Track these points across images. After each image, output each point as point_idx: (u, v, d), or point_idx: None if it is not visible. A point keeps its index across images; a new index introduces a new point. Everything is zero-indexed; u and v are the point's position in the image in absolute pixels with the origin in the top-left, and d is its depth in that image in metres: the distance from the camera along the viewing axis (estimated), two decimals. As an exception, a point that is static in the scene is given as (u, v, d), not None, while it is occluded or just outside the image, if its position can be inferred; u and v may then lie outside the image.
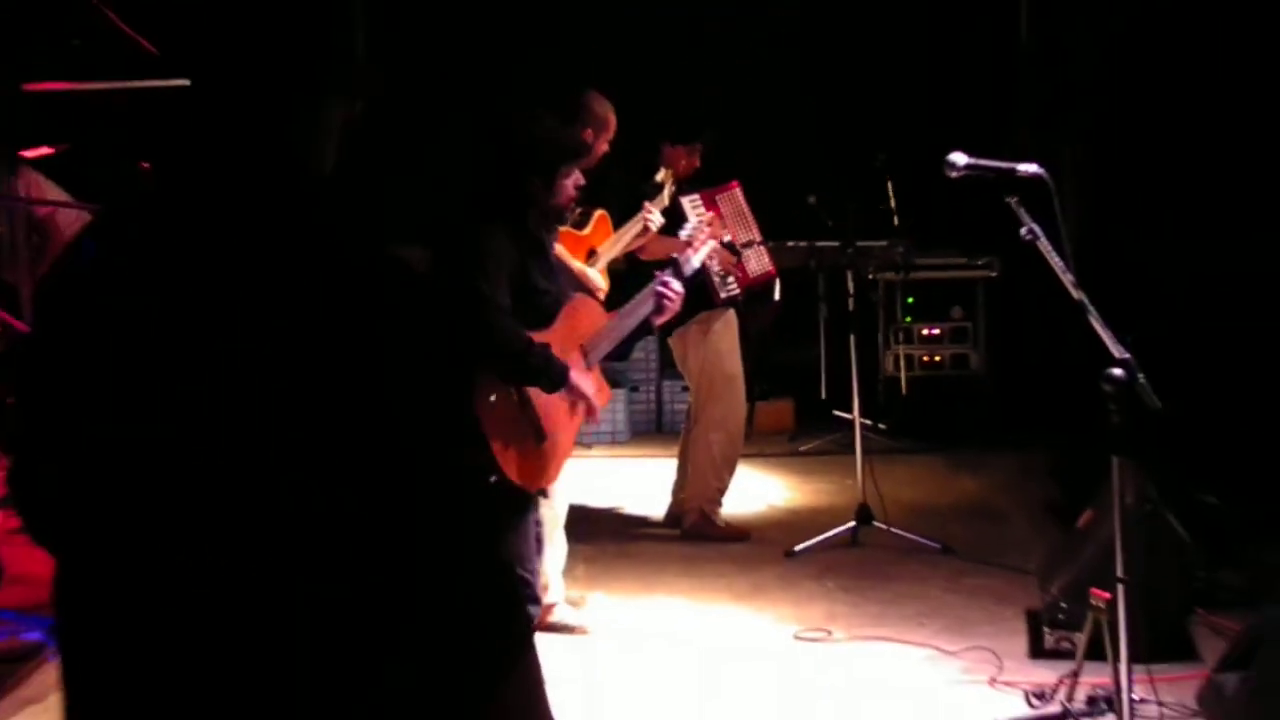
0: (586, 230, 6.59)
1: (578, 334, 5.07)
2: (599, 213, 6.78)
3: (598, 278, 6.41)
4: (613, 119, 6.60)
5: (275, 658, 2.19)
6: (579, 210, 6.32)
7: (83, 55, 6.18)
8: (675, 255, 5.61)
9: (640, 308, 5.29)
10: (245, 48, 2.29)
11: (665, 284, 5.23)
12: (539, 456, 4.89)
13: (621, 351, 5.50)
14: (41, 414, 2.28)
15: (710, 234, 5.77)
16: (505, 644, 2.39)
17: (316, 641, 2.19)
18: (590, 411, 5.15)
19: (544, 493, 5.23)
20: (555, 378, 4.84)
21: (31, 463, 2.30)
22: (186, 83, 2.32)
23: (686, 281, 5.42)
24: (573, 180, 5.14)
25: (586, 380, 5.02)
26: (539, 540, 5.24)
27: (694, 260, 5.60)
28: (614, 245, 6.77)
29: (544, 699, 2.51)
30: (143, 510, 2.17)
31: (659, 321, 5.37)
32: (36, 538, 2.33)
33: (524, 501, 4.97)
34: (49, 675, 3.89)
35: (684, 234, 5.77)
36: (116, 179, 6.16)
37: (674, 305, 5.27)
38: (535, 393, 4.86)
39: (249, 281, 2.19)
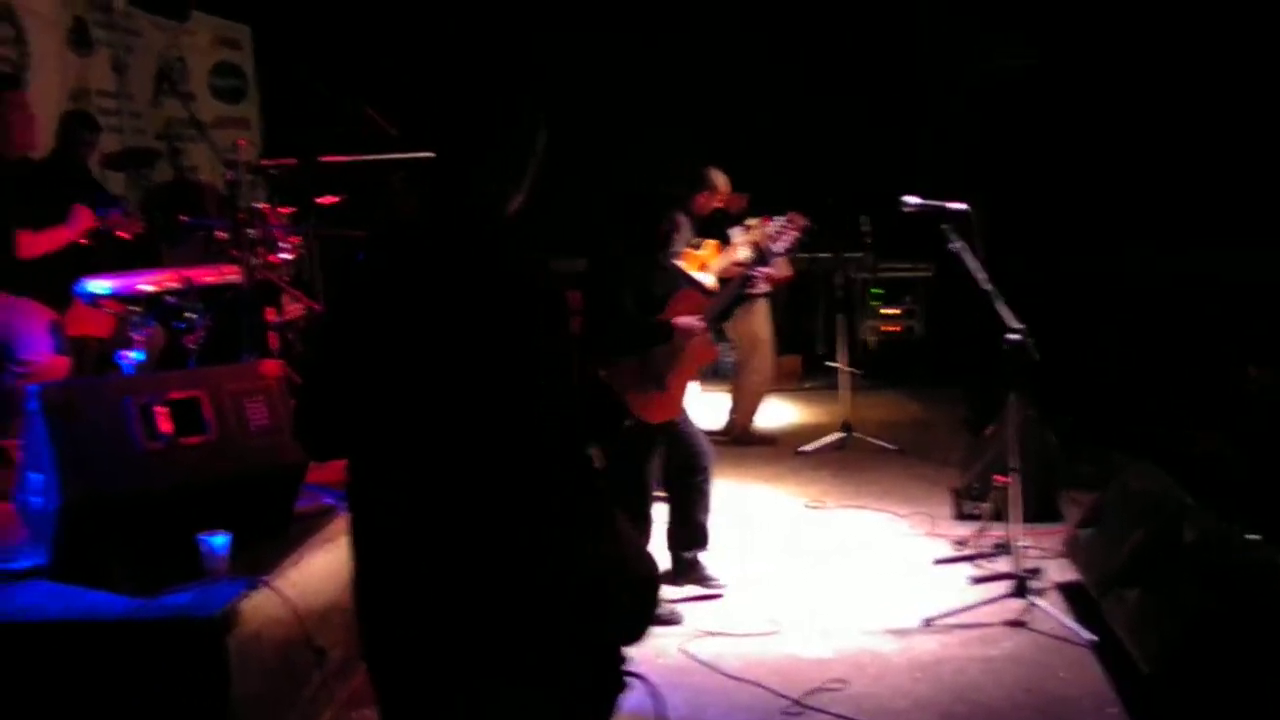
0: (703, 252, 6.12)
1: (682, 312, 4.70)
2: (712, 241, 6.48)
3: (709, 280, 5.88)
4: (722, 183, 6.41)
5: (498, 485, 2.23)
6: (699, 240, 5.98)
7: (353, 137, 6.09)
8: (760, 247, 5.14)
9: (729, 288, 5.02)
10: (471, 150, 2.33)
11: (756, 270, 5.00)
12: (661, 400, 4.59)
13: (724, 315, 5.18)
14: (328, 360, 2.29)
15: (794, 225, 5.16)
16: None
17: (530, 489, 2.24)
18: (709, 352, 4.87)
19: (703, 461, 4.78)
20: (664, 336, 4.57)
21: (313, 398, 2.31)
22: (418, 155, 2.41)
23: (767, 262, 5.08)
24: (668, 222, 4.89)
25: (691, 322, 4.63)
26: (705, 493, 4.80)
27: (775, 248, 5.13)
28: (721, 262, 6.35)
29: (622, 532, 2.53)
30: (409, 413, 2.21)
31: (754, 291, 5.04)
32: (309, 451, 2.41)
33: (652, 436, 4.62)
34: (340, 525, 3.80)
35: (770, 230, 5.20)
36: (375, 217, 6.13)
37: (763, 279, 4.98)
38: (656, 358, 4.57)
39: (456, 278, 2.22)
